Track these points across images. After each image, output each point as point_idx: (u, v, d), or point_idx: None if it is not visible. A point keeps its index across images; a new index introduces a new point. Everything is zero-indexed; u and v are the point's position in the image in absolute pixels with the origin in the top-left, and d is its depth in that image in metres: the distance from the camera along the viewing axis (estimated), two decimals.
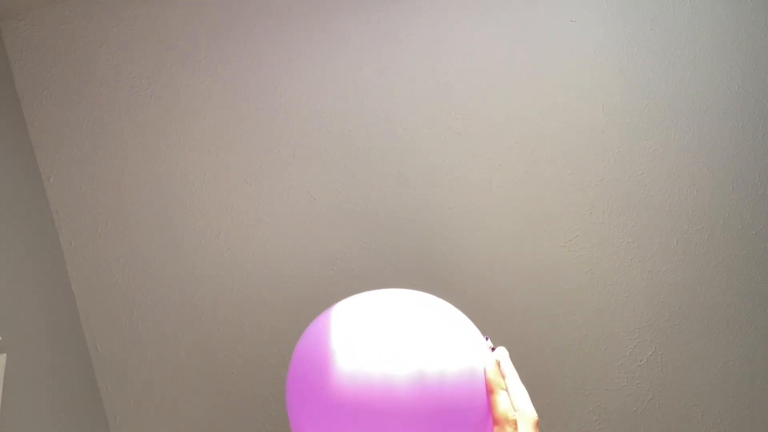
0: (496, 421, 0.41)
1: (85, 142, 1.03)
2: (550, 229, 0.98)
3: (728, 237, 0.96)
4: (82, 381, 1.00)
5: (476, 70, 0.98)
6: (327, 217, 1.01)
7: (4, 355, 0.81)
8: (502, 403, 0.42)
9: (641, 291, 0.97)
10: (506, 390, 0.43)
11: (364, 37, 0.99)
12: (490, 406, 0.42)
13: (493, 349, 0.48)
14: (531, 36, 0.96)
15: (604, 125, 0.96)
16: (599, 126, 0.96)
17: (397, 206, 1.00)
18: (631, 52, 0.95)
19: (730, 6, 0.94)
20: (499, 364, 0.46)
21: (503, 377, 0.45)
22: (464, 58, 0.98)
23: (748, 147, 0.95)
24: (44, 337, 0.93)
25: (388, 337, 0.42)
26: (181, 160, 1.02)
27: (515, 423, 0.40)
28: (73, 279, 1.04)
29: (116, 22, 1.02)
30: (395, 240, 1.00)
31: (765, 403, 0.97)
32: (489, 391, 0.42)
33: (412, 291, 0.50)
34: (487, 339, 0.49)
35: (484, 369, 0.44)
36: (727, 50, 0.94)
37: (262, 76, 1.00)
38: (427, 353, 0.41)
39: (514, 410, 0.42)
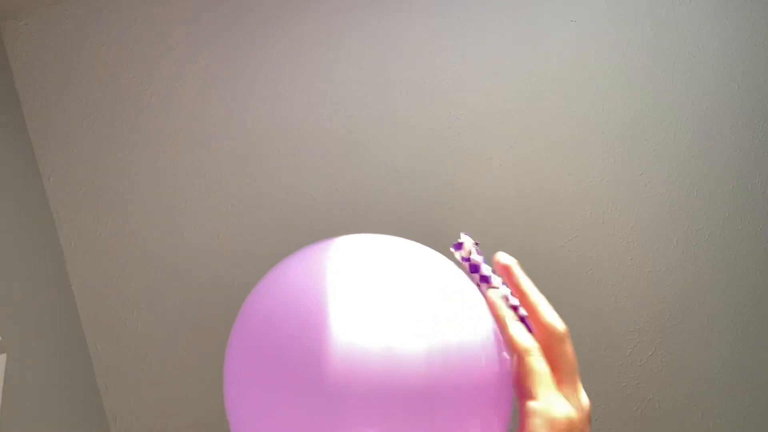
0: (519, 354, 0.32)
1: (85, 142, 1.03)
2: (550, 229, 0.98)
3: (728, 237, 0.96)
4: (82, 381, 1.00)
5: (476, 70, 0.98)
6: (327, 217, 1.01)
7: (4, 355, 0.81)
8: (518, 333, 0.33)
9: (641, 291, 0.97)
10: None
11: (364, 38, 0.99)
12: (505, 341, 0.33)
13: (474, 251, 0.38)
14: (531, 36, 0.96)
15: (604, 125, 0.96)
16: (599, 126, 0.96)
17: (396, 206, 1.00)
18: (631, 52, 0.95)
19: (730, 6, 0.94)
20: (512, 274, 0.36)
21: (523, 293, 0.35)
22: (464, 58, 0.98)
23: (748, 147, 0.95)
24: (44, 337, 0.93)
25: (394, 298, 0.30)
26: (181, 160, 1.02)
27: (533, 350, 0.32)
28: (73, 279, 1.04)
29: (116, 22, 1.02)
30: None
31: (765, 403, 0.97)
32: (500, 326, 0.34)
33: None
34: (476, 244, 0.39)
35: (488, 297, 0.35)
36: (727, 50, 0.94)
37: (262, 76, 1.00)
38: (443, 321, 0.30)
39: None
